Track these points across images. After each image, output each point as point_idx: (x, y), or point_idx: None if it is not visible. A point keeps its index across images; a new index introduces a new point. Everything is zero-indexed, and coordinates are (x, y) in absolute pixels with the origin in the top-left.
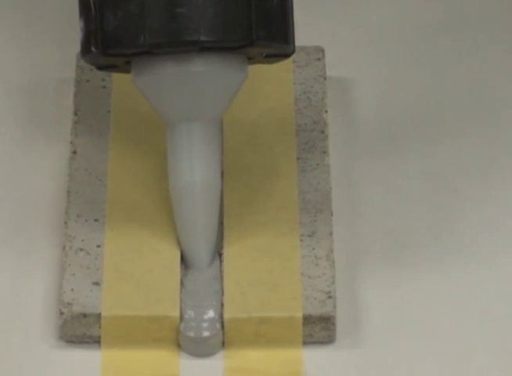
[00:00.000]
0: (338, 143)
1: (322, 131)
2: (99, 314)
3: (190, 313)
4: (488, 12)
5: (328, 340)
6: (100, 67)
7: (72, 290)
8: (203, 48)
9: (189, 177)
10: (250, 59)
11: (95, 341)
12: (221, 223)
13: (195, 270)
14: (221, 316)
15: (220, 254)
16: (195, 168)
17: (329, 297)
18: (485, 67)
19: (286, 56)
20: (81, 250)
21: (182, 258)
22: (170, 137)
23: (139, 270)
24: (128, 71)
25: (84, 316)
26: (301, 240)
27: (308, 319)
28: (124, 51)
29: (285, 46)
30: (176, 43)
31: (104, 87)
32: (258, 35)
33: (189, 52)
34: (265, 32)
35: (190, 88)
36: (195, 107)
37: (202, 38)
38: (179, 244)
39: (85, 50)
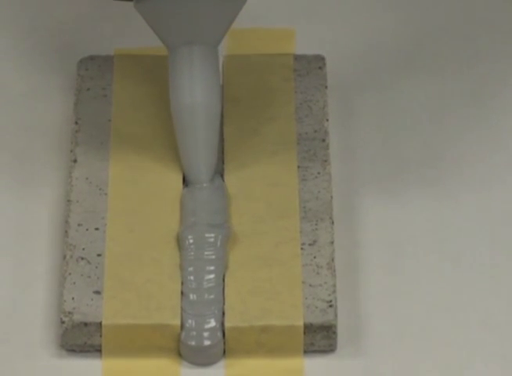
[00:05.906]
0: (339, 152)
1: (323, 140)
2: (100, 323)
3: (191, 322)
4: (489, 19)
5: (329, 349)
6: None
7: (73, 299)
8: None
9: (190, 98)
10: None
11: (96, 350)
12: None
13: (196, 185)
14: (222, 325)
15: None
16: (195, 89)
17: (331, 305)
18: (487, 75)
19: None
20: (82, 259)
21: (184, 180)
22: (172, 61)
23: (140, 279)
24: None
25: (85, 324)
26: (301, 248)
27: (309, 328)
28: None
29: None
30: None
31: (105, 96)
32: None
33: None
34: None
35: (190, 11)
36: (195, 31)
37: None
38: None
39: None
